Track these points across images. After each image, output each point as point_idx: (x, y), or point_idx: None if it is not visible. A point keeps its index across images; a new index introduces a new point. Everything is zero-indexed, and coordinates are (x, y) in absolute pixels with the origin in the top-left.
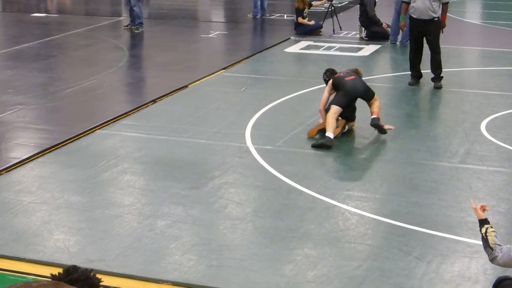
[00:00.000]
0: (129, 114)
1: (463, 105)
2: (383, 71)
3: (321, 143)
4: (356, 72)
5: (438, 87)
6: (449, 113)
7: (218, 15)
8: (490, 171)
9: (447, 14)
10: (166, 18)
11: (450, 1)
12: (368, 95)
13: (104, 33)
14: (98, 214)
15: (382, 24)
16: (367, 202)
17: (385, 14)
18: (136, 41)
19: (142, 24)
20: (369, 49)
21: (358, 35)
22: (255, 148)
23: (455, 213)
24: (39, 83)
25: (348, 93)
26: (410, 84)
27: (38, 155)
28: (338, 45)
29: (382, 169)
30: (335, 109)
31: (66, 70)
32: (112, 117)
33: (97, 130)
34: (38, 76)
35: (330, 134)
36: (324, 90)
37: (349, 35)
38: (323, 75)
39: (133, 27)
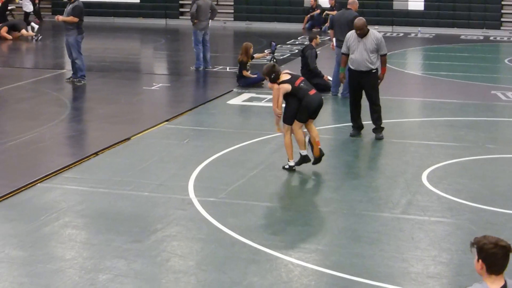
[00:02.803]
0: (71, 167)
1: (404, 155)
2: (325, 122)
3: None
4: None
5: (379, 138)
6: (391, 163)
7: (161, 68)
8: (432, 221)
9: (387, 65)
10: (109, 70)
11: (389, 53)
12: None
13: (46, 86)
14: (39, 269)
15: (323, 76)
16: (310, 254)
17: (326, 66)
18: (78, 93)
19: (85, 76)
20: None
21: None
22: (198, 200)
23: (397, 263)
24: None
25: (312, 108)
26: (351, 135)
27: None
28: None
29: (325, 220)
30: (299, 125)
31: (8, 123)
32: (54, 170)
33: (39, 184)
34: None
35: (304, 151)
36: (279, 90)
37: None
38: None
39: (75, 80)
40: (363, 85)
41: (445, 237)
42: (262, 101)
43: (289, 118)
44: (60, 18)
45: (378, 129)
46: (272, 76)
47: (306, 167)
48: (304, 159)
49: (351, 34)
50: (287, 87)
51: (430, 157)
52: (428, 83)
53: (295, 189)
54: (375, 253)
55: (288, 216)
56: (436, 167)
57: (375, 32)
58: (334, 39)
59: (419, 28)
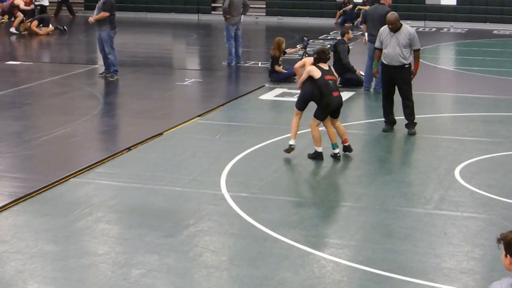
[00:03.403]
0: (104, 162)
1: (437, 151)
2: (357, 117)
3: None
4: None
5: (412, 133)
6: (423, 159)
7: (193, 63)
8: (465, 217)
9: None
10: (141, 65)
11: (421, 48)
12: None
13: (79, 80)
14: (72, 263)
15: (355, 71)
16: (342, 249)
17: (358, 61)
18: (110, 88)
19: (117, 71)
20: (343, 96)
21: None
22: (230, 195)
23: (430, 259)
24: (13, 131)
25: (331, 109)
26: (384, 130)
27: (13, 204)
28: None
29: (357, 215)
30: (317, 123)
31: (41, 118)
32: (86, 165)
33: (72, 179)
34: (12, 124)
35: (319, 148)
36: (307, 68)
37: None
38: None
39: (108, 75)
40: (396, 80)
41: (478, 232)
42: (294, 96)
43: (300, 102)
44: (92, 19)
45: (410, 124)
46: (315, 56)
47: (339, 162)
48: (317, 155)
49: (384, 29)
50: (316, 72)
51: (463, 152)
52: (461, 78)
53: (328, 185)
54: (408, 249)
55: (320, 211)
56: (469, 163)
57: (408, 27)
58: (366, 34)
59: (452, 23)
